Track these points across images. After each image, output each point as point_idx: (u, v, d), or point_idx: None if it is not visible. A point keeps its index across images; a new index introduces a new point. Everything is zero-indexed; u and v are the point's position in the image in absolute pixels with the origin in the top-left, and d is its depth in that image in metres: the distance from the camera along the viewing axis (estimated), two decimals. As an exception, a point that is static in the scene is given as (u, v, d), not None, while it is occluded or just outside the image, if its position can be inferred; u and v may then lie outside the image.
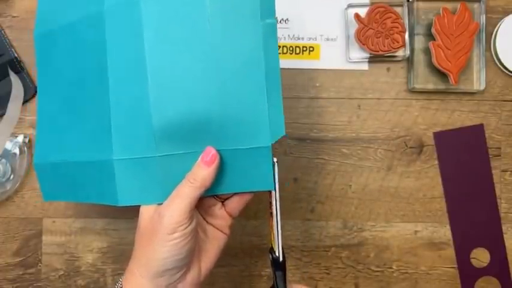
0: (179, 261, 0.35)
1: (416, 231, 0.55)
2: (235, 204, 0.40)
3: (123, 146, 0.36)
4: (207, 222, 0.40)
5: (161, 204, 0.36)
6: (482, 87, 0.54)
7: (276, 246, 0.38)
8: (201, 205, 0.39)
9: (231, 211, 0.41)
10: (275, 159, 0.36)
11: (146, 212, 0.37)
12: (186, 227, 0.35)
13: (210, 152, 0.35)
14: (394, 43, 0.53)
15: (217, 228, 0.40)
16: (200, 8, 0.34)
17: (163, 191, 0.36)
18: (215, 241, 0.40)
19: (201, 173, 0.35)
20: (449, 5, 0.54)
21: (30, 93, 0.54)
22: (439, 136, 0.55)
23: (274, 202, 0.37)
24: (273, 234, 0.38)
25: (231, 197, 0.40)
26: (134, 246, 0.37)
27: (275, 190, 0.37)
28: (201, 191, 0.35)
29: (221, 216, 0.41)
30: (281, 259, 0.38)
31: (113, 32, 0.36)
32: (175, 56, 0.35)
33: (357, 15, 0.53)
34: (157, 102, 0.35)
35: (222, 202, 0.41)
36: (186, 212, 0.34)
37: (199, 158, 0.36)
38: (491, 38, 0.55)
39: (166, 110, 0.35)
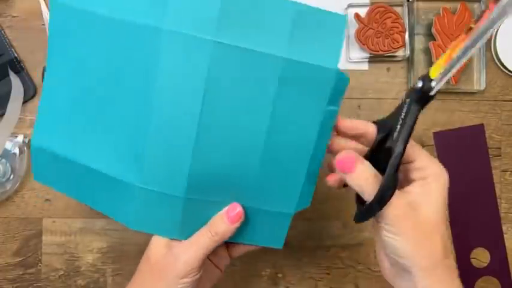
0: None
1: (416, 231, 0.55)
2: (240, 249, 0.42)
3: (152, 176, 0.35)
4: (208, 258, 0.40)
5: (173, 239, 0.37)
6: (483, 87, 0.54)
7: (440, 72, 0.30)
8: None
9: (232, 253, 0.42)
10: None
11: (158, 244, 0.37)
12: (196, 275, 0.36)
13: (236, 208, 0.36)
14: (394, 43, 0.53)
15: (215, 265, 0.42)
16: (271, 73, 0.33)
17: (180, 229, 0.37)
18: (211, 276, 0.41)
19: (224, 227, 0.36)
20: (449, 5, 0.54)
21: (30, 93, 0.54)
22: (439, 136, 0.55)
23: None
24: (449, 55, 0.30)
25: (240, 244, 0.41)
26: (139, 272, 0.38)
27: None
28: (218, 244, 0.36)
29: (222, 254, 0.42)
30: (433, 92, 0.31)
31: (171, 59, 0.33)
32: (230, 110, 0.34)
33: (357, 15, 0.53)
34: (201, 147, 0.34)
35: (228, 244, 0.42)
36: (200, 260, 0.35)
37: (224, 212, 0.36)
38: (491, 38, 0.55)
39: (208, 158, 0.35)
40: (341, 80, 0.35)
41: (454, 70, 0.30)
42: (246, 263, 0.55)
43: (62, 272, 0.55)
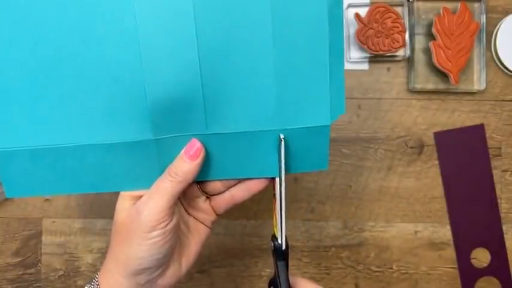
0: (159, 260, 0.33)
1: (416, 232, 0.55)
2: (223, 201, 0.38)
3: (165, 124, 0.32)
4: (188, 213, 0.38)
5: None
6: (483, 87, 0.54)
7: (279, 233, 0.34)
8: (184, 196, 0.37)
9: (216, 207, 0.38)
10: (281, 136, 0.33)
11: (121, 204, 0.34)
12: (166, 225, 0.32)
13: (195, 145, 0.33)
14: (394, 43, 0.53)
15: (200, 221, 0.38)
16: None
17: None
18: (197, 234, 0.38)
19: (184, 167, 0.32)
20: (450, 5, 0.54)
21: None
22: (439, 136, 0.55)
23: (278, 182, 0.34)
24: (275, 218, 0.35)
25: (219, 193, 0.38)
26: (110, 242, 0.35)
27: (280, 168, 0.33)
28: (183, 186, 0.33)
29: (205, 209, 0.38)
30: (284, 247, 0.34)
31: None
32: (227, 27, 0.31)
33: (357, 15, 0.53)
34: (209, 79, 0.31)
35: (207, 197, 0.38)
36: (165, 209, 0.32)
37: (182, 151, 0.33)
38: (491, 37, 0.55)
39: (220, 87, 0.31)
40: None
41: (283, 227, 0.34)
42: (246, 263, 0.55)
43: (61, 272, 0.55)
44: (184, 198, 0.38)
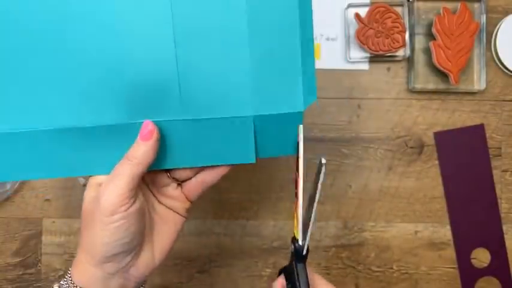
0: (125, 245, 0.33)
1: (416, 232, 0.55)
2: (193, 187, 0.38)
3: (139, 107, 0.33)
4: (159, 202, 0.37)
5: None
6: (483, 87, 0.54)
7: (299, 235, 0.34)
8: (153, 184, 0.37)
9: (188, 194, 0.38)
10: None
11: (89, 193, 0.34)
12: (128, 208, 0.32)
13: (147, 126, 0.32)
14: (394, 43, 0.53)
15: (173, 210, 0.38)
16: None
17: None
18: (170, 223, 0.37)
19: (140, 149, 0.32)
20: (450, 5, 0.54)
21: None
22: (439, 136, 0.55)
23: (300, 178, 0.34)
24: (297, 219, 0.35)
25: (189, 179, 0.38)
26: (80, 232, 0.35)
27: (300, 164, 0.34)
28: (141, 169, 0.32)
29: (176, 197, 0.38)
30: (305, 252, 0.34)
31: None
32: (203, 14, 0.31)
33: (357, 15, 0.53)
34: (185, 64, 0.32)
35: (179, 183, 0.38)
36: (125, 192, 0.31)
37: (138, 134, 0.33)
38: (491, 37, 0.55)
39: (195, 73, 0.32)
40: None
41: (309, 228, 0.33)
42: (246, 263, 0.55)
43: (61, 272, 0.55)
44: (154, 186, 0.37)
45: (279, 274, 0.38)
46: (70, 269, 0.35)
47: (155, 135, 0.33)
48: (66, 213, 0.55)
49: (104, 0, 0.31)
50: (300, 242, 0.34)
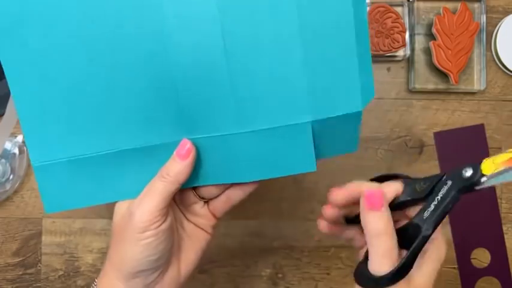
0: (154, 262, 0.33)
1: (416, 232, 0.55)
2: (220, 204, 0.38)
3: (195, 123, 0.33)
4: (187, 220, 0.38)
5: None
6: (483, 87, 0.54)
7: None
8: (182, 202, 0.37)
9: (214, 211, 0.38)
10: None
11: (120, 207, 0.34)
12: (159, 226, 0.32)
13: (186, 144, 0.32)
14: (394, 43, 0.53)
15: (199, 227, 0.38)
16: None
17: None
18: (196, 240, 0.37)
19: (175, 167, 0.32)
20: (450, 5, 0.54)
21: (29, 93, 0.54)
22: (439, 136, 0.55)
23: None
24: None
25: (216, 197, 0.38)
26: (110, 243, 0.35)
27: None
28: (174, 187, 0.32)
29: (203, 215, 0.38)
30: (480, 187, 0.30)
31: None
32: (252, 21, 0.30)
33: (357, 15, 0.53)
34: (237, 74, 0.31)
35: (205, 201, 0.38)
36: (157, 209, 0.32)
37: (175, 152, 0.33)
38: (491, 37, 0.55)
39: (248, 82, 0.31)
40: None
41: None
42: (247, 263, 0.55)
43: (61, 273, 0.55)
44: (182, 205, 0.38)
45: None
46: (96, 280, 0.35)
47: (192, 154, 0.32)
48: (66, 213, 0.55)
49: (156, 17, 0.30)
50: (485, 178, 0.29)
